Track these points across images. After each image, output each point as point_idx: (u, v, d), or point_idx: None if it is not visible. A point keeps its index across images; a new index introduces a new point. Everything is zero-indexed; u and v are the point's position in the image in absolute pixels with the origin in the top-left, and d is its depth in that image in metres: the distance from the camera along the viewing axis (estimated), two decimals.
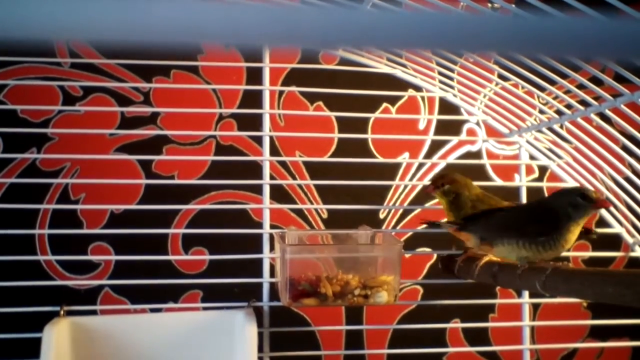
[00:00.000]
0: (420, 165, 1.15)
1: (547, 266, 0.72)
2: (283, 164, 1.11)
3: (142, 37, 0.26)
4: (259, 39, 0.28)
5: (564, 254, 0.82)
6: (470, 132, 1.16)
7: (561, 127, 0.92)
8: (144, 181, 1.07)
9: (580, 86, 0.77)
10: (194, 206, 1.07)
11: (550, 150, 1.00)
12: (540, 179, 1.15)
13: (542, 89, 0.83)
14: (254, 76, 1.05)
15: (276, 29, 0.27)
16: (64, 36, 0.26)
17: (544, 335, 1.15)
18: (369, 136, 1.13)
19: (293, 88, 1.11)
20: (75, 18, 0.26)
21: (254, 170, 1.00)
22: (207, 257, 1.07)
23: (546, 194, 1.13)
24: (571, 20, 0.29)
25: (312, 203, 1.11)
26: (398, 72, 1.00)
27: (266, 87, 0.98)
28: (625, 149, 0.83)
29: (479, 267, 0.83)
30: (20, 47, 0.93)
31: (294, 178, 1.11)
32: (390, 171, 1.14)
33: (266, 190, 0.96)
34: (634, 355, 1.17)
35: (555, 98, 0.86)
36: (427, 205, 1.11)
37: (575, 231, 0.74)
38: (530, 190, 1.04)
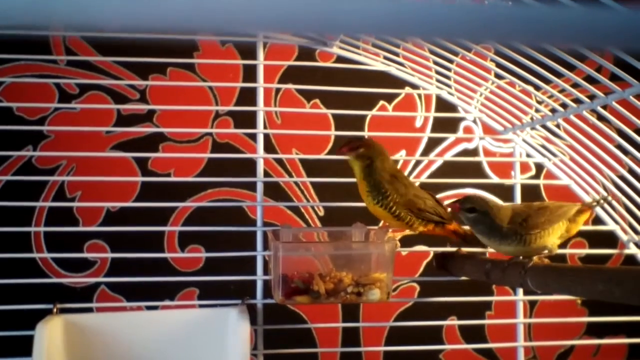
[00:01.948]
0: (417, 163, 1.14)
1: (539, 263, 0.72)
2: (280, 161, 1.11)
3: (140, 23, 0.26)
4: (252, 25, 0.27)
5: (562, 251, 0.82)
6: (467, 130, 1.16)
7: (557, 126, 0.92)
8: (140, 179, 1.07)
9: (575, 85, 0.77)
10: (191, 204, 1.07)
11: (546, 148, 1.00)
12: (537, 176, 1.15)
13: (537, 87, 0.83)
14: (251, 74, 1.05)
15: (269, 15, 0.27)
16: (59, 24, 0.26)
17: (541, 332, 1.15)
18: (366, 134, 1.13)
19: (289, 85, 1.11)
20: (71, 5, 0.26)
21: (251, 168, 0.99)
22: (203, 254, 1.07)
23: (542, 192, 1.14)
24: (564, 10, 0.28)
25: (308, 201, 1.11)
26: (394, 69, 1.00)
27: (260, 85, 0.98)
28: (620, 147, 0.83)
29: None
30: (16, 43, 0.93)
31: (291, 175, 1.11)
32: None
33: (260, 188, 0.97)
34: (630, 353, 1.17)
35: (550, 97, 0.86)
36: None
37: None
38: (525, 187, 1.04)
